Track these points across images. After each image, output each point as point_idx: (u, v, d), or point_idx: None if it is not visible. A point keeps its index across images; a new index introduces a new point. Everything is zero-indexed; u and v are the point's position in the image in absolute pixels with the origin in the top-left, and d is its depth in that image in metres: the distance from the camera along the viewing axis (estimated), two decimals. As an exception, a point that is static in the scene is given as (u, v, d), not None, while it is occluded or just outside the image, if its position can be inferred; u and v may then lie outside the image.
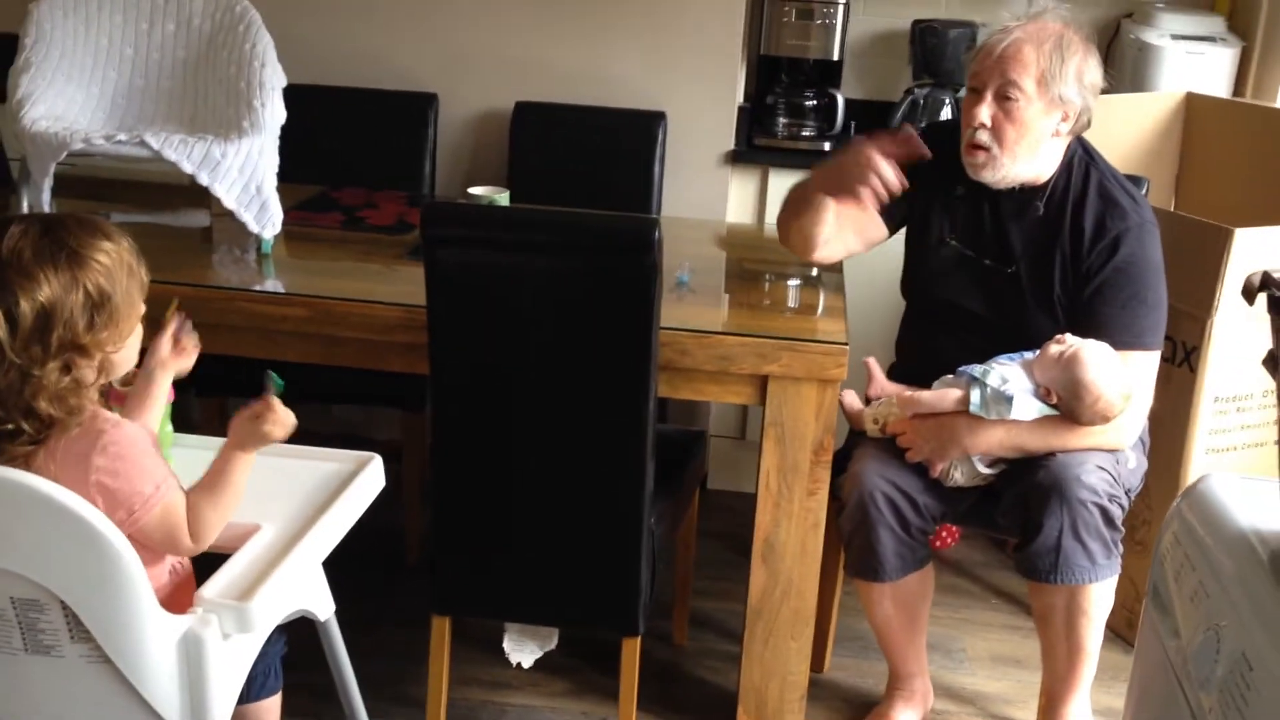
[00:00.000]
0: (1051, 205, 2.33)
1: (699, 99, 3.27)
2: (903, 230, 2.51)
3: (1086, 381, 2.15)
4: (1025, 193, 2.35)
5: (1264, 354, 1.44)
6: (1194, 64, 3.17)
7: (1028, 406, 2.20)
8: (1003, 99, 2.26)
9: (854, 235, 2.45)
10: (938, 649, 2.84)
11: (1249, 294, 1.39)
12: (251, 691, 1.76)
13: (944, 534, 3.29)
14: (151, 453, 1.56)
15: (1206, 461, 2.73)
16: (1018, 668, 2.78)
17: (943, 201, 2.41)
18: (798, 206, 2.43)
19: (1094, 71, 2.30)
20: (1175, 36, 3.19)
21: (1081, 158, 2.36)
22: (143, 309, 1.59)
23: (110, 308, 1.51)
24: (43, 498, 1.40)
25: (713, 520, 3.27)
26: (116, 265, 1.52)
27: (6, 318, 1.44)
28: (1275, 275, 1.35)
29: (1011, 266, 2.35)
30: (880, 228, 2.46)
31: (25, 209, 2.56)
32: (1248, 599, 1.36)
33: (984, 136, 2.28)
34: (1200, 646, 1.39)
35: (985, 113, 2.27)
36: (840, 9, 3.25)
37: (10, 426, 1.46)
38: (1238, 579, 1.39)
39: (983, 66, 2.29)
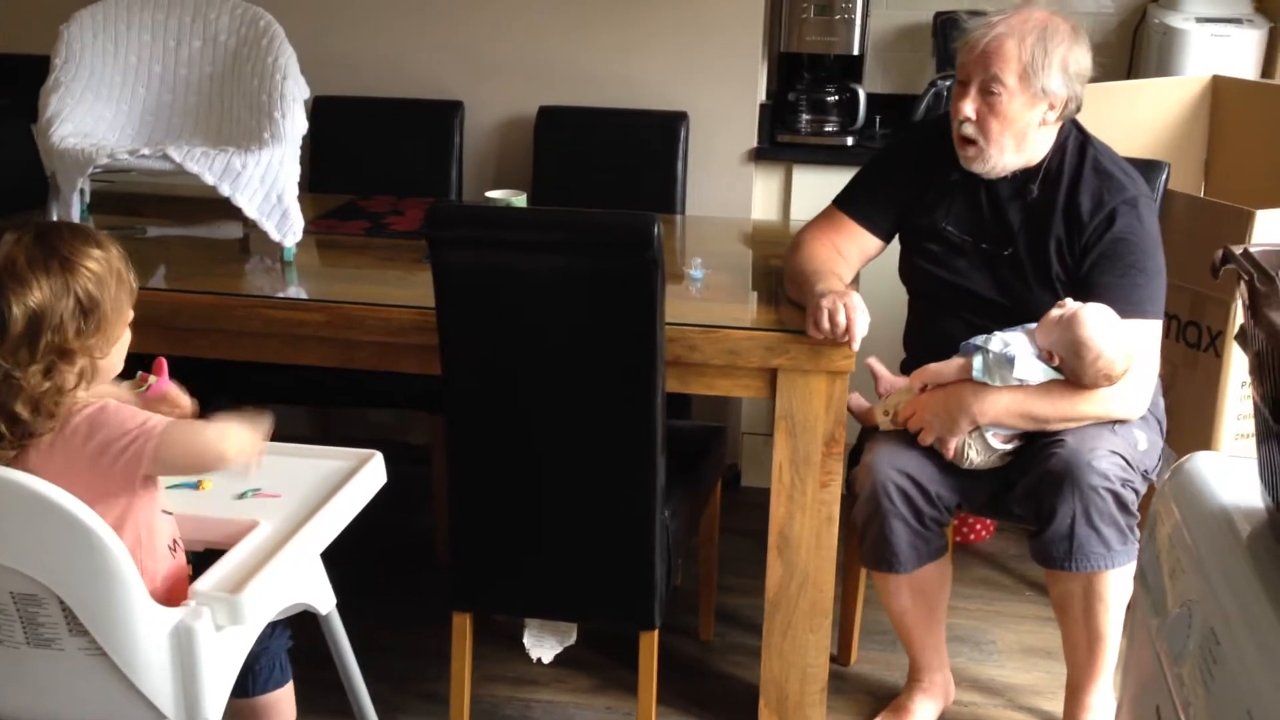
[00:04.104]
0: (1046, 186, 2.34)
1: (721, 98, 3.29)
2: None
3: (1085, 339, 2.15)
4: (1019, 176, 2.35)
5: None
6: (1220, 46, 3.13)
7: (1031, 367, 2.21)
8: (986, 93, 2.28)
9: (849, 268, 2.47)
10: (967, 641, 2.83)
11: (1214, 270, 1.38)
12: (257, 684, 1.81)
13: (978, 527, 3.28)
14: (127, 406, 1.59)
15: (1235, 447, 2.70)
16: (1048, 659, 2.76)
17: (939, 188, 2.42)
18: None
19: (1081, 59, 2.29)
20: (1200, 19, 3.15)
21: (1076, 137, 2.37)
22: (130, 315, 1.63)
23: (99, 314, 1.55)
24: (31, 494, 1.45)
25: (745, 517, 3.27)
26: (106, 273, 1.57)
27: None
28: (1237, 250, 1.34)
29: (1009, 249, 2.35)
30: (873, 242, 2.49)
31: (55, 223, 2.64)
32: (1220, 575, 1.35)
33: (970, 130, 2.31)
34: (1174, 621, 1.38)
35: (969, 107, 2.30)
36: (860, 4, 3.25)
37: None
38: (1212, 555, 1.38)
39: (967, 59, 2.31)
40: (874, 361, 2.41)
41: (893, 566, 2.32)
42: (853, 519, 2.37)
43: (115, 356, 1.62)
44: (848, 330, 2.17)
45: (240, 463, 1.60)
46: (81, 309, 1.53)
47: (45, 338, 1.51)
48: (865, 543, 2.36)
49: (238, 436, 1.60)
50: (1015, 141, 2.30)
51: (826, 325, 2.17)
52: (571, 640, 2.46)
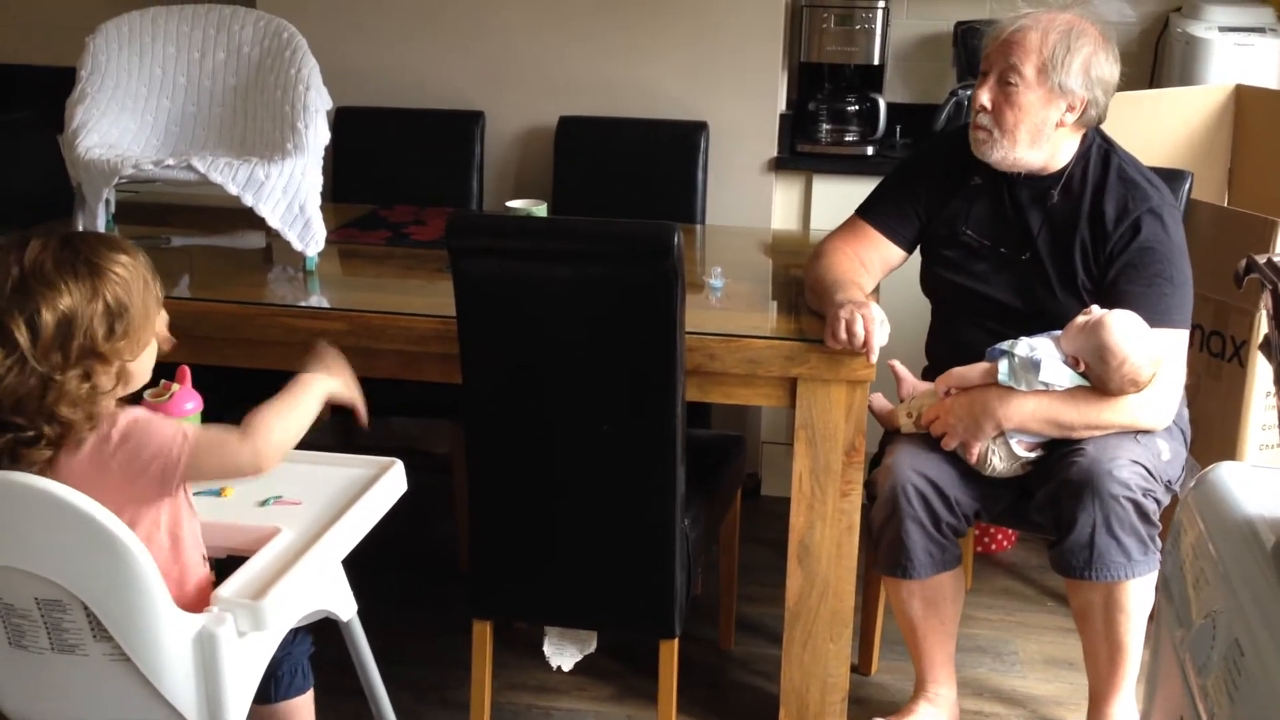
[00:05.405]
0: (1069, 192, 2.34)
1: (741, 108, 3.29)
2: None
3: (1111, 344, 2.15)
4: (1041, 181, 2.35)
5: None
6: (1243, 56, 3.12)
7: (1057, 371, 2.21)
8: (1004, 83, 2.28)
9: (870, 278, 2.47)
10: (989, 652, 2.82)
11: (1237, 280, 1.38)
12: (279, 690, 1.82)
13: (1000, 537, 3.27)
14: (159, 416, 1.62)
15: (1260, 457, 2.68)
16: (1070, 670, 2.75)
17: (961, 194, 2.42)
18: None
19: (1105, 66, 2.28)
20: (1223, 29, 3.15)
21: (1100, 146, 2.37)
22: (158, 322, 1.65)
23: (128, 318, 1.57)
24: (57, 501, 1.46)
25: (765, 526, 3.27)
26: (133, 278, 1.58)
27: (29, 325, 1.50)
28: (1260, 260, 1.34)
29: (1027, 252, 2.35)
30: (895, 252, 2.49)
31: (81, 233, 2.66)
32: (1245, 585, 1.34)
33: (984, 119, 2.32)
34: (1198, 632, 1.37)
35: (986, 96, 2.31)
36: (880, 13, 3.26)
37: (31, 433, 1.52)
38: (1236, 566, 1.37)
39: (990, 50, 2.33)
40: (897, 364, 2.40)
41: (907, 572, 2.31)
42: (870, 521, 2.36)
43: (144, 362, 1.63)
44: (865, 342, 2.16)
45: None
46: (110, 313, 1.55)
47: (77, 341, 1.52)
48: (880, 546, 2.35)
49: (274, 436, 1.62)
50: (1030, 137, 2.29)
51: (844, 335, 2.17)
52: (592, 648, 2.46)
